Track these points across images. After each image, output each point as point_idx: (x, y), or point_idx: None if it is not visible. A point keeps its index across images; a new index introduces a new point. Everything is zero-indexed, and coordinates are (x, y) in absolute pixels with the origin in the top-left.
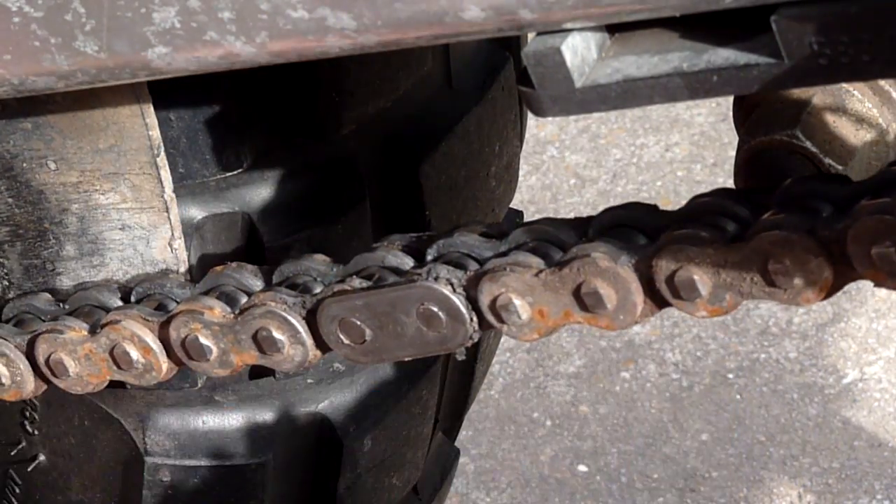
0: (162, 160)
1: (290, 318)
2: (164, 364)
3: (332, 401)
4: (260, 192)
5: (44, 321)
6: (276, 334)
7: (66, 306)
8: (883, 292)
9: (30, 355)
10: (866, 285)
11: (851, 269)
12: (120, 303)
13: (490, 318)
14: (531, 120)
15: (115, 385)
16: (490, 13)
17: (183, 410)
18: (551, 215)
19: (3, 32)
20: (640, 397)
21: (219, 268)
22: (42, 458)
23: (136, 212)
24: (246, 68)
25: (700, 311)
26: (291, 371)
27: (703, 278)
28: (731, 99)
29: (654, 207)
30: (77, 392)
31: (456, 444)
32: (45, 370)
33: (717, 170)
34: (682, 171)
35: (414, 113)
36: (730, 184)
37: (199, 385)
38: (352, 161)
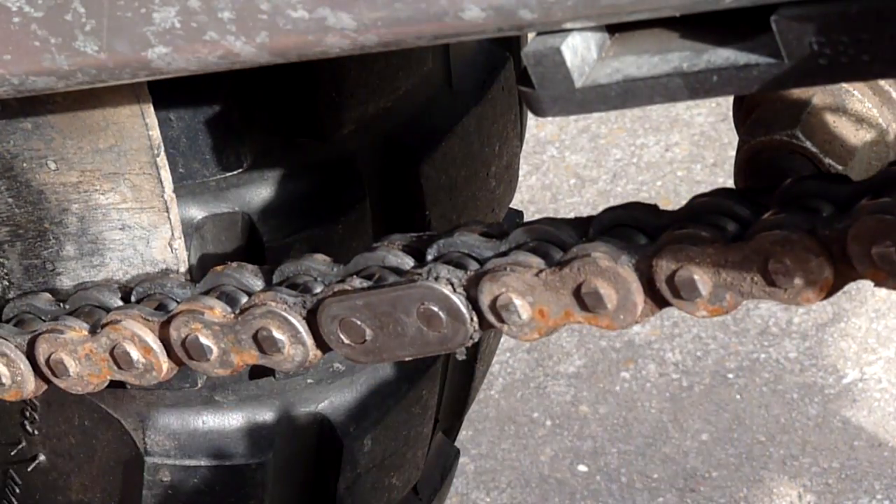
0: (162, 160)
1: (290, 317)
2: (165, 364)
3: (332, 401)
4: (260, 192)
5: (44, 321)
6: (277, 334)
7: (67, 306)
8: (883, 292)
9: (30, 355)
10: (866, 285)
11: (852, 268)
12: (120, 303)
13: (490, 317)
14: (531, 120)
15: (115, 385)
16: (490, 13)
17: (183, 410)
18: (551, 215)
19: (3, 32)
20: (640, 397)
21: (219, 267)
22: (42, 458)
23: (136, 212)
24: (246, 68)
25: (700, 310)
26: (292, 371)
27: (703, 278)
28: (731, 99)
29: (655, 207)
30: (77, 392)
31: (456, 444)
32: (45, 370)
33: (717, 170)
34: (682, 171)
35: (414, 113)
36: (730, 184)
37: (199, 385)
38: (352, 161)
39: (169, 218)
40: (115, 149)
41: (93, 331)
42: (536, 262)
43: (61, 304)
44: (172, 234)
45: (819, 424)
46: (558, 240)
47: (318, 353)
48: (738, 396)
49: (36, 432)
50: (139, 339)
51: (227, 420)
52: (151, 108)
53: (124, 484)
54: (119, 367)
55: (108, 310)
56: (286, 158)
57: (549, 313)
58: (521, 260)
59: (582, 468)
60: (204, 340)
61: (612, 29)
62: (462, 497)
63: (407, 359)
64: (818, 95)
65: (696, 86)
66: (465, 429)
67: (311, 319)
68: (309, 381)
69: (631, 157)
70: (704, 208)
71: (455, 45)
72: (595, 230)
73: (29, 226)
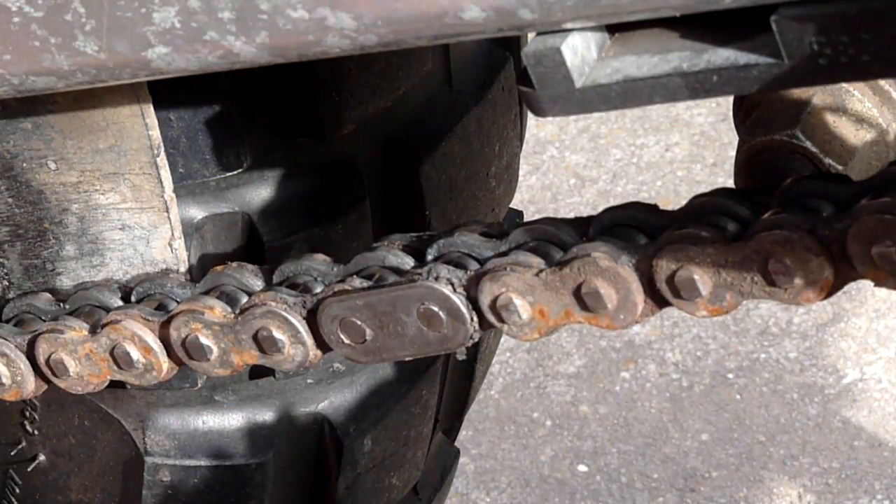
0: (162, 160)
1: (290, 317)
2: (165, 364)
3: (332, 401)
4: (260, 192)
5: (44, 321)
6: (277, 334)
7: (67, 306)
8: (883, 292)
9: (30, 355)
10: (866, 285)
11: (852, 268)
12: (120, 302)
13: (490, 317)
14: (531, 120)
15: (115, 385)
16: (490, 13)
17: (183, 410)
18: (551, 215)
19: (3, 32)
20: (640, 397)
21: (219, 267)
22: (42, 458)
23: (136, 212)
24: (246, 68)
25: (700, 310)
26: (292, 371)
27: (703, 278)
28: (731, 99)
29: (655, 207)
30: (77, 392)
31: (456, 444)
32: (45, 370)
33: (717, 170)
34: (682, 171)
35: (414, 113)
36: (730, 184)
37: (199, 385)
38: (352, 161)
39: (169, 218)
40: (115, 149)
41: (93, 331)
42: (536, 261)
43: (61, 304)
44: (172, 234)
45: (819, 424)
46: (558, 240)
47: (319, 353)
48: (738, 396)
49: (36, 432)
50: (139, 338)
51: (227, 420)
52: (151, 108)
53: (124, 484)
54: (119, 367)
55: (108, 310)
56: (286, 158)
57: (550, 313)
58: (522, 260)
59: (582, 468)
60: (204, 340)
61: (612, 29)
62: (462, 497)
63: (407, 359)
64: (818, 95)
65: (696, 86)
66: (465, 429)
67: (312, 319)
68: (309, 381)
69: (631, 157)
70: (704, 208)
71: (455, 45)
72: (595, 230)
73: (29, 226)
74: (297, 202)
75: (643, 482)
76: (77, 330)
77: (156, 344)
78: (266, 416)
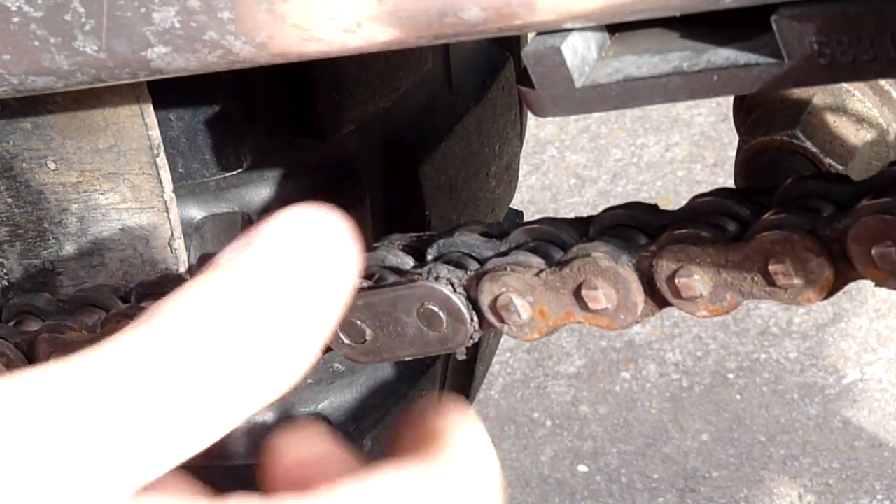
0: (162, 160)
1: None
2: None
3: (332, 401)
4: (260, 191)
5: (44, 321)
6: None
7: (67, 306)
8: (883, 292)
9: (30, 356)
10: (867, 285)
11: (852, 268)
12: (120, 303)
13: (491, 317)
14: (531, 120)
15: None
16: (490, 13)
17: None
18: (551, 215)
19: (2, 32)
20: (641, 397)
21: None
22: None
23: (136, 212)
24: (246, 68)
25: (701, 310)
26: None
27: (703, 278)
28: (731, 99)
29: (655, 207)
30: None
31: None
32: None
33: (717, 170)
34: (683, 171)
35: (414, 113)
36: (730, 184)
37: None
38: (352, 161)
39: (169, 218)
40: (115, 149)
41: (93, 331)
42: (537, 261)
43: (61, 304)
44: (172, 234)
45: (819, 425)
46: (559, 240)
47: (319, 353)
48: (738, 397)
49: None
50: None
51: None
52: (151, 108)
53: None
54: None
55: (107, 310)
56: (286, 158)
57: (550, 313)
58: (522, 260)
59: (582, 468)
60: None
61: (612, 29)
62: None
63: (407, 359)
64: (818, 95)
65: (696, 86)
66: None
67: None
68: (309, 381)
69: (631, 157)
70: (705, 208)
71: (455, 45)
72: (595, 230)
73: (28, 226)
74: (297, 202)
75: (643, 482)
76: (77, 330)
77: None
78: (266, 416)
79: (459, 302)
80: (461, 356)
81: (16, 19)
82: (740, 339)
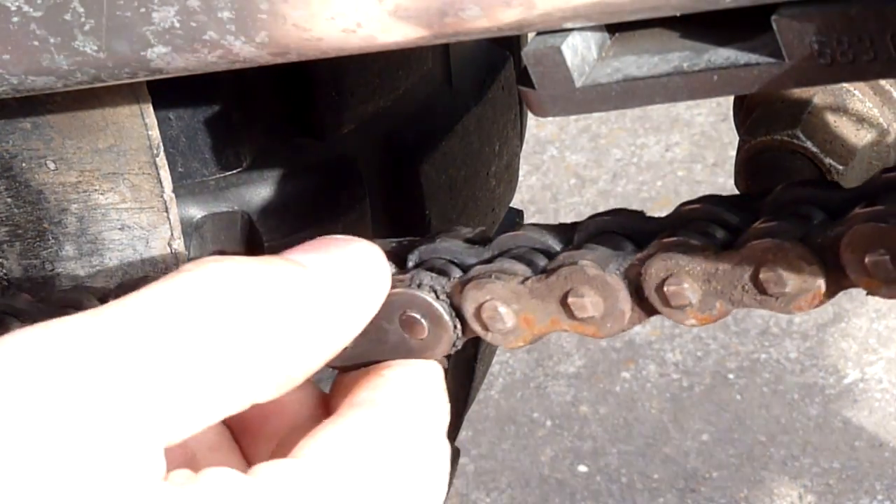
0: (161, 160)
1: None
2: None
3: None
4: (259, 191)
5: (23, 322)
6: None
7: (49, 307)
8: None
9: None
10: None
11: (845, 276)
12: (98, 304)
13: (475, 325)
14: (531, 120)
15: None
16: (490, 13)
17: None
18: (551, 215)
19: (2, 32)
20: (641, 397)
21: None
22: None
23: (136, 212)
24: (246, 68)
25: (689, 319)
26: None
27: (692, 286)
28: (731, 99)
29: (641, 214)
30: None
31: (456, 444)
32: None
33: (717, 170)
34: (683, 170)
35: (414, 112)
36: (730, 183)
37: None
38: (352, 160)
39: (168, 218)
40: (115, 149)
41: None
42: (522, 269)
43: (41, 305)
44: (172, 234)
45: (820, 425)
46: (544, 247)
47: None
48: (738, 397)
49: None
50: None
51: None
52: (151, 108)
53: None
54: None
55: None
56: (286, 158)
57: (535, 321)
58: (507, 267)
59: (582, 468)
60: None
61: (613, 29)
62: (462, 497)
63: None
64: (819, 95)
65: (696, 86)
66: (465, 429)
67: None
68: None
69: (631, 156)
70: (692, 215)
71: (455, 45)
72: (581, 237)
73: (28, 226)
74: (297, 201)
75: (643, 482)
76: None
77: None
78: None
79: (442, 309)
80: (444, 365)
81: (15, 19)
82: (741, 339)
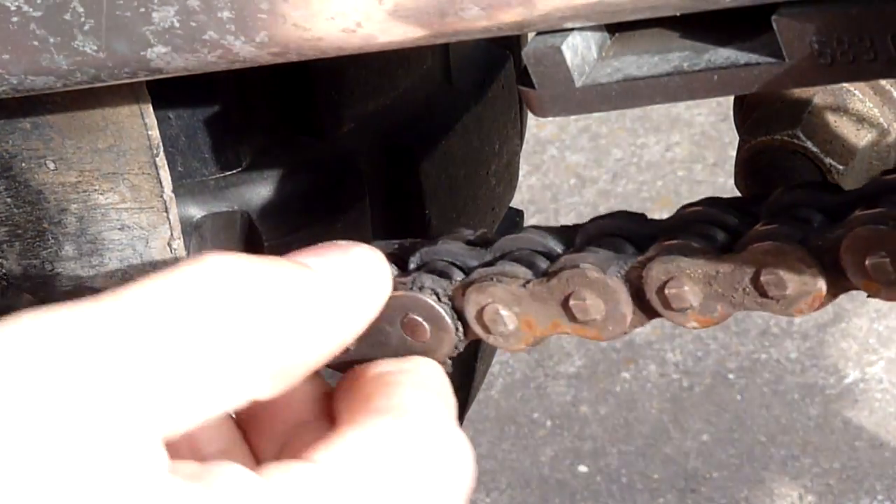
0: (161, 160)
1: None
2: None
3: None
4: (259, 190)
5: None
6: None
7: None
8: None
9: None
10: None
11: (845, 279)
12: None
13: (476, 328)
14: (531, 119)
15: None
16: (490, 13)
17: None
18: (551, 215)
19: (2, 32)
20: (641, 398)
21: None
22: None
23: (136, 212)
24: (246, 68)
25: (691, 321)
26: None
27: (693, 289)
28: (731, 99)
29: (643, 216)
30: None
31: None
32: None
33: (717, 169)
34: (683, 170)
35: (414, 111)
36: (730, 183)
37: None
38: (351, 159)
39: (168, 218)
40: (114, 148)
41: None
42: (523, 272)
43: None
44: (171, 233)
45: (820, 425)
46: (546, 249)
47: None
48: (738, 397)
49: None
50: None
51: None
52: (150, 108)
53: None
54: None
55: None
56: (285, 157)
57: (536, 324)
58: (508, 270)
59: (582, 469)
60: None
61: (613, 28)
62: None
63: None
64: (819, 95)
65: (696, 86)
66: (465, 429)
67: None
68: None
69: (631, 156)
70: (693, 218)
71: (455, 44)
72: (582, 240)
73: (27, 226)
74: (297, 201)
75: (644, 483)
76: None
77: None
78: None
79: (444, 312)
80: (448, 368)
81: (15, 19)
82: (741, 339)
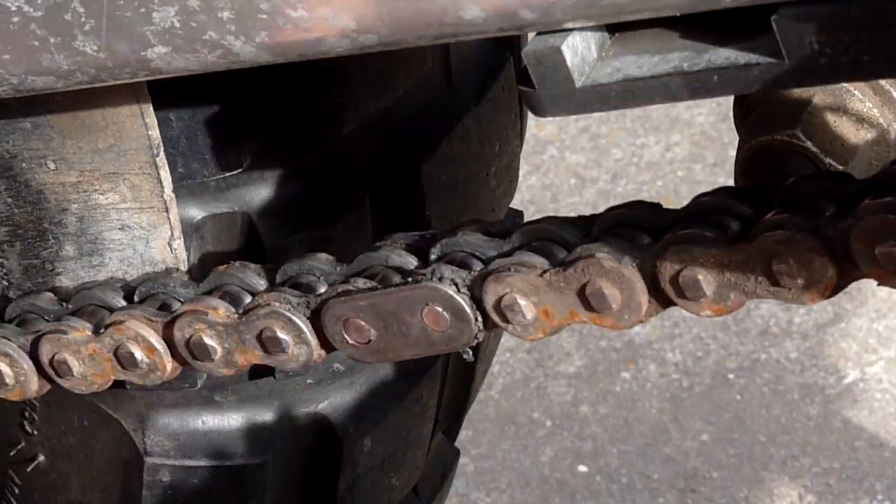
0: (161, 160)
1: (294, 318)
2: (169, 364)
3: (332, 401)
4: (260, 191)
5: (47, 321)
6: (281, 334)
7: (70, 306)
8: (884, 292)
9: (33, 355)
10: (867, 285)
11: (856, 268)
12: (123, 303)
13: (495, 317)
14: (531, 120)
15: (114, 385)
16: (490, 13)
17: (183, 411)
18: (552, 215)
19: (2, 32)
20: (641, 398)
21: (222, 267)
22: (41, 458)
23: (136, 212)
24: (246, 68)
25: (705, 310)
26: (296, 371)
27: (707, 278)
28: (731, 99)
29: (658, 206)
30: (81, 392)
31: (456, 444)
32: (48, 370)
33: (717, 170)
34: (683, 170)
35: (414, 112)
36: (730, 184)
37: (199, 385)
38: (352, 161)
39: (168, 218)
40: (115, 149)
41: (96, 331)
42: (540, 262)
43: (64, 304)
44: (172, 234)
45: (820, 425)
46: (562, 239)
47: (323, 352)
48: (738, 397)
49: (35, 433)
50: (143, 339)
51: (227, 420)
52: (151, 108)
53: (124, 484)
54: (123, 368)
55: (111, 310)
56: (286, 158)
57: (554, 313)
58: (526, 260)
59: (582, 468)
60: (208, 341)
61: (613, 29)
62: (462, 497)
63: (411, 358)
64: (819, 95)
65: (696, 86)
66: (465, 429)
67: (315, 319)
68: (309, 381)
69: (631, 156)
70: (707, 207)
71: (455, 45)
72: (598, 229)
73: (28, 226)
74: (297, 202)
75: (643, 483)
76: (80, 330)
77: (160, 344)
78: (266, 416)
79: (463, 302)
80: (468, 357)
81: (16, 19)
82: (741, 339)
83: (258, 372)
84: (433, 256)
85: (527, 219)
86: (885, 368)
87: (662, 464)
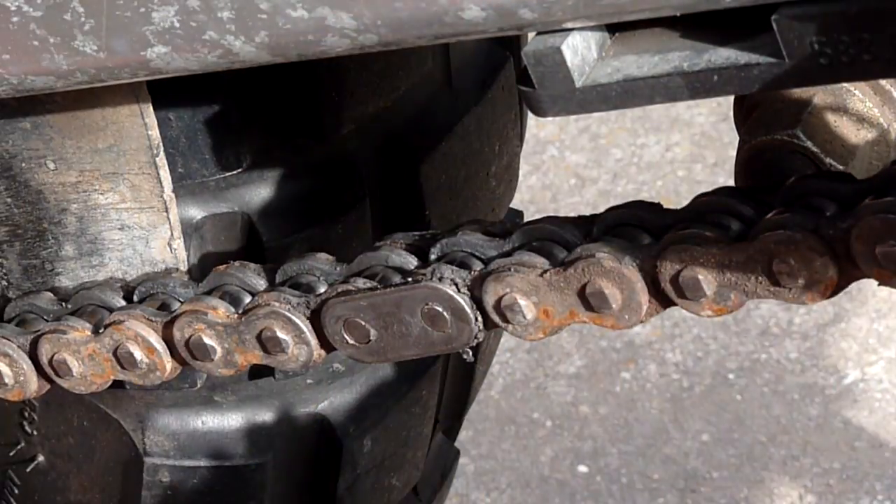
0: (161, 160)
1: (294, 318)
2: (169, 364)
3: (332, 401)
4: (259, 191)
5: (47, 321)
6: (281, 334)
7: (69, 306)
8: (884, 292)
9: (33, 355)
10: (867, 285)
11: (856, 268)
12: (123, 302)
13: (495, 317)
14: (531, 120)
15: (114, 385)
16: (490, 13)
17: (182, 411)
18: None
19: (2, 32)
20: (641, 398)
21: (221, 267)
22: (41, 458)
23: (136, 212)
24: (246, 68)
25: (705, 310)
26: (296, 371)
27: (707, 278)
28: (731, 99)
29: (659, 206)
30: (81, 392)
31: (456, 444)
32: (48, 370)
33: (717, 170)
34: (683, 170)
35: (414, 113)
36: (731, 184)
37: (199, 385)
38: (352, 161)
39: (168, 218)
40: (115, 149)
41: (96, 331)
42: (541, 262)
43: (63, 304)
44: (171, 234)
45: (820, 425)
46: (562, 239)
47: (322, 352)
48: (738, 397)
49: (35, 433)
50: (142, 339)
51: (227, 420)
52: (151, 108)
53: (123, 485)
54: (122, 368)
55: (110, 310)
56: (286, 158)
57: (554, 313)
58: (526, 260)
59: (582, 469)
60: (207, 341)
61: (613, 28)
62: (462, 497)
63: (411, 358)
64: (819, 95)
65: (696, 85)
66: (465, 429)
67: (315, 319)
68: (309, 381)
69: (631, 156)
70: (708, 207)
71: (455, 45)
72: (599, 229)
73: (28, 226)
74: (297, 202)
75: (644, 483)
76: (80, 330)
77: (159, 344)
78: (266, 416)
79: (463, 302)
80: (468, 357)
81: (15, 19)
82: (741, 339)
83: (258, 372)
84: (433, 256)
85: (527, 219)
86: (885, 368)
87: (662, 464)
